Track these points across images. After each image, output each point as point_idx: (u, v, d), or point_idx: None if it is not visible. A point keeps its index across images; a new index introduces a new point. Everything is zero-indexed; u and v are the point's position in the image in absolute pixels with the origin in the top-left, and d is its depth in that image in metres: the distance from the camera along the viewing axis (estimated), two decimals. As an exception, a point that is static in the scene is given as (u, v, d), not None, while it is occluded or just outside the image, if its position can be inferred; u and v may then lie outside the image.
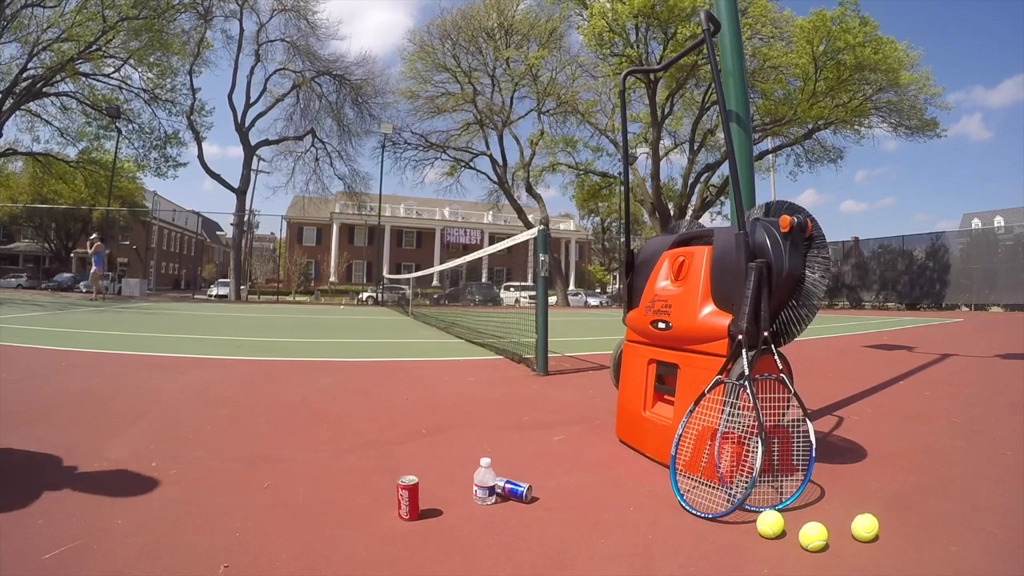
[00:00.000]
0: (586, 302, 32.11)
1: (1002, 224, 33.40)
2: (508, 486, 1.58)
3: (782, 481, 1.63)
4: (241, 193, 25.30)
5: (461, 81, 27.70)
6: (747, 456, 1.56)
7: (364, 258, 41.18)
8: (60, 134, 22.93)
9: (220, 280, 33.49)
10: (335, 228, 43.29)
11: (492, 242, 38.99)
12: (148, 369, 3.85)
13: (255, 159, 26.67)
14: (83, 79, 21.49)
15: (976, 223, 39.56)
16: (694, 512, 1.48)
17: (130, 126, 23.60)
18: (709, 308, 1.82)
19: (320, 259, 42.70)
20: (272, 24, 25.20)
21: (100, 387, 3.12)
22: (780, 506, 1.49)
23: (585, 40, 22.72)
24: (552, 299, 23.91)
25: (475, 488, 1.57)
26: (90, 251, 14.29)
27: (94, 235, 15.37)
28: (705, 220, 26.21)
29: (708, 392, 1.65)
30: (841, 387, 3.54)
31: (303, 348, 5.55)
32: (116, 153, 24.25)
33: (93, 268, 14.46)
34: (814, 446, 1.57)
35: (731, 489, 1.55)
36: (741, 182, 2.03)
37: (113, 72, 21.87)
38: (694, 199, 26.77)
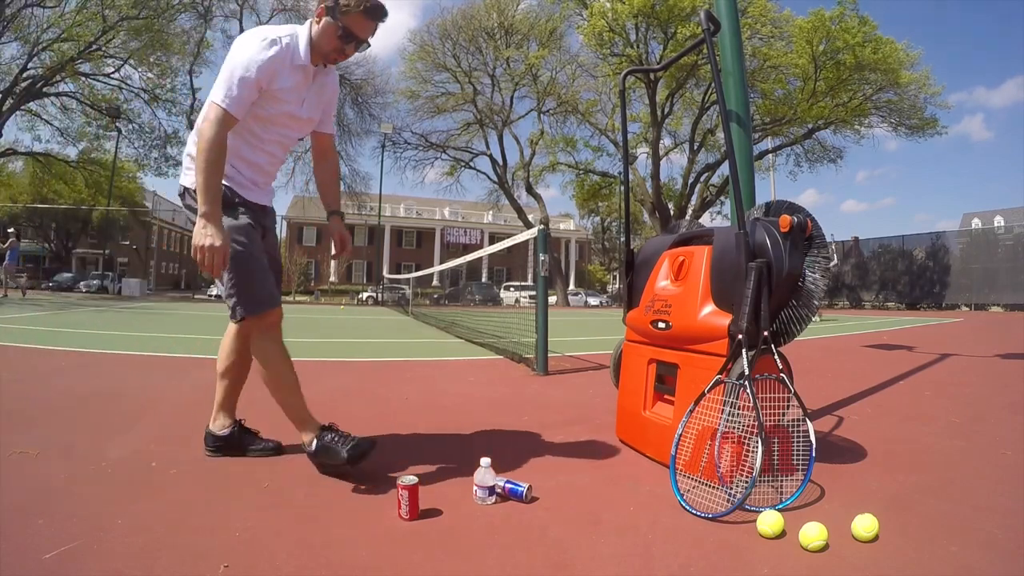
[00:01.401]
0: (586, 302, 32.12)
1: (1002, 224, 33.38)
2: (508, 486, 1.58)
3: (782, 481, 1.63)
4: (241, 193, 25.27)
5: (461, 81, 27.73)
6: (747, 456, 1.56)
7: (364, 258, 41.17)
8: (60, 134, 22.98)
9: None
10: (335, 228, 43.20)
11: (492, 242, 38.94)
12: (149, 369, 3.85)
13: (255, 159, 26.63)
14: (83, 79, 21.51)
15: (976, 223, 39.57)
16: (694, 512, 1.48)
17: (130, 126, 23.62)
18: (709, 308, 1.82)
19: (320, 259, 42.65)
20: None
21: (101, 387, 3.12)
22: (780, 506, 1.49)
23: (585, 40, 22.76)
24: (552, 299, 23.91)
25: (475, 488, 1.57)
26: (4, 246, 14.32)
27: (11, 229, 15.53)
28: (705, 220, 26.22)
29: (708, 392, 1.65)
30: (841, 387, 3.54)
31: (304, 348, 5.55)
32: (116, 153, 24.28)
33: (6, 263, 14.45)
34: (814, 446, 1.57)
35: (731, 489, 1.55)
36: (741, 182, 2.03)
37: (113, 72, 21.90)
38: (694, 199, 26.79)
